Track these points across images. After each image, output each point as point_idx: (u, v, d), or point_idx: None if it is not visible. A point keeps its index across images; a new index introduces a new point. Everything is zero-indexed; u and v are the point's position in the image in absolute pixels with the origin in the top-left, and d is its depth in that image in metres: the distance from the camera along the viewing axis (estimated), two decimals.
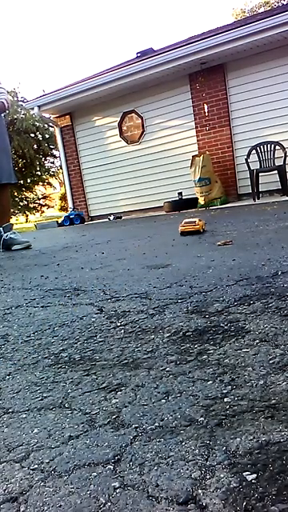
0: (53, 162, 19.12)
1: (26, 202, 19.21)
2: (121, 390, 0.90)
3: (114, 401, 0.87)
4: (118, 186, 9.29)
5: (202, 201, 7.60)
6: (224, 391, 0.84)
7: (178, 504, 0.56)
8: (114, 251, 3.05)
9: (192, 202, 7.75)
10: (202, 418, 0.75)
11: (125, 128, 9.03)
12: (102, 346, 1.18)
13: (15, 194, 17.51)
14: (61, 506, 0.59)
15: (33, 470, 0.68)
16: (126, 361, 1.06)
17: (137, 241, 3.54)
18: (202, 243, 2.80)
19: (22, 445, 0.76)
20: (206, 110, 7.97)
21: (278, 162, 6.98)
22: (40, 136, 16.90)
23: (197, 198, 7.75)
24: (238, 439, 0.68)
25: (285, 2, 19.23)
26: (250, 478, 0.59)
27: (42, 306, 1.69)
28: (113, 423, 0.78)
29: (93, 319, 1.43)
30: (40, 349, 1.23)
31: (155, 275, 1.96)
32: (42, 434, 0.78)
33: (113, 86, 8.28)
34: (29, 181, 17.87)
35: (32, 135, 16.68)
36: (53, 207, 21.19)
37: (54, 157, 18.49)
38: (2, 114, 4.12)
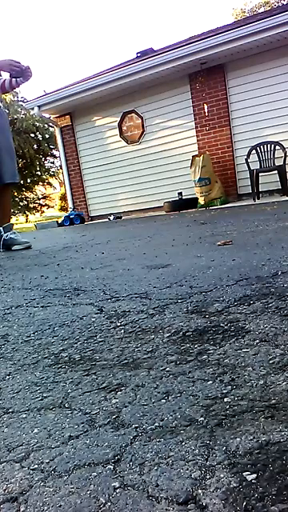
0: (53, 162, 19.15)
1: (25, 202, 19.23)
2: (121, 390, 0.90)
3: (114, 401, 0.87)
4: (118, 186, 9.30)
5: (202, 201, 7.61)
6: (224, 391, 0.84)
7: (177, 504, 0.56)
8: (114, 251, 3.05)
9: (192, 202, 7.75)
10: (202, 418, 0.75)
11: (125, 128, 9.03)
12: (102, 346, 1.18)
13: (15, 194, 17.52)
14: (61, 505, 0.59)
15: (33, 469, 0.68)
16: (126, 361, 1.06)
17: (137, 241, 3.54)
18: (202, 243, 2.80)
19: (22, 445, 0.76)
20: (205, 110, 7.98)
21: (278, 162, 6.98)
22: (40, 136, 16.91)
23: (197, 198, 7.75)
24: (238, 439, 0.68)
25: (285, 2, 19.23)
26: (250, 478, 0.59)
27: (42, 306, 1.69)
28: (113, 423, 0.78)
29: (93, 319, 1.43)
30: (40, 349, 1.23)
31: (155, 275, 1.96)
32: (41, 433, 0.78)
33: (113, 86, 8.28)
34: (29, 181, 17.88)
35: (32, 135, 16.69)
36: (53, 207, 21.20)
37: (54, 157, 18.51)
38: (6, 111, 4.16)
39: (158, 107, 8.52)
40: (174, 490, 0.59)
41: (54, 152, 17.89)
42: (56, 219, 11.65)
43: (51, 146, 17.51)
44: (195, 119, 8.16)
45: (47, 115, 9.86)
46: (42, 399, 0.92)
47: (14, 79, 4.03)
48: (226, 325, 1.20)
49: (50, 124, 11.67)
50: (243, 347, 1.03)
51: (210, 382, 0.88)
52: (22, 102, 16.71)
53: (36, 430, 0.80)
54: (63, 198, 17.71)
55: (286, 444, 0.65)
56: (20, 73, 3.94)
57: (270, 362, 0.93)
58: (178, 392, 0.86)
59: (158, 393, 0.87)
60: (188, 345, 1.10)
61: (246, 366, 0.93)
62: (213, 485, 0.58)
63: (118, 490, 0.60)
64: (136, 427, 0.76)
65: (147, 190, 8.91)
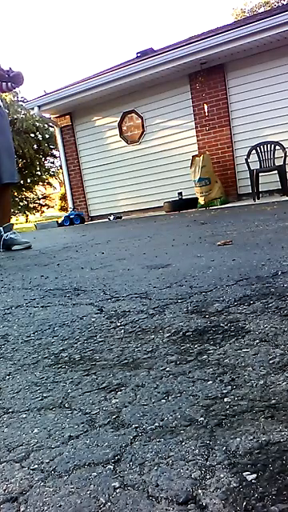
0: (53, 162, 19.15)
1: (25, 202, 19.23)
2: (121, 390, 0.90)
3: (114, 401, 0.87)
4: (118, 186, 9.30)
5: (202, 201, 7.61)
6: (224, 391, 0.84)
7: (177, 504, 0.56)
8: (113, 251, 3.05)
9: (192, 202, 7.75)
10: (202, 418, 0.75)
11: (125, 128, 9.03)
12: (102, 346, 1.18)
13: (15, 194, 17.52)
14: (61, 505, 0.59)
15: (33, 469, 0.68)
16: (126, 361, 1.06)
17: (137, 241, 3.54)
18: (202, 243, 2.80)
19: (22, 445, 0.76)
20: (205, 110, 7.97)
21: (278, 162, 6.98)
22: (40, 136, 16.91)
23: (197, 198, 7.75)
24: (238, 439, 0.68)
25: (285, 2, 19.23)
26: (250, 478, 0.59)
27: (42, 306, 1.69)
28: (113, 423, 0.78)
29: (93, 319, 1.43)
30: (40, 349, 1.23)
31: (155, 275, 1.96)
32: (41, 433, 0.78)
33: (113, 86, 8.28)
34: (29, 181, 17.88)
35: (32, 135, 16.69)
36: (53, 207, 21.20)
37: (54, 157, 18.51)
38: (6, 111, 4.21)
39: (158, 107, 8.51)
40: (174, 489, 0.59)
41: (54, 152, 17.89)
42: (56, 219, 11.65)
43: (51, 146, 17.51)
44: (195, 119, 8.16)
45: (47, 115, 9.86)
46: (42, 399, 0.92)
47: (4, 84, 4.09)
48: (226, 325, 1.20)
49: (50, 124, 11.68)
50: (243, 347, 1.03)
51: (210, 381, 0.88)
52: (22, 102, 16.71)
53: (36, 430, 0.80)
54: (63, 197, 17.70)
55: (286, 444, 0.65)
56: (7, 78, 4.01)
57: (270, 361, 0.93)
58: (178, 392, 0.86)
59: (158, 393, 0.87)
60: (188, 345, 1.10)
61: (246, 366, 0.93)
62: (213, 485, 0.58)
63: (118, 490, 0.60)
64: (136, 427, 0.76)
65: (147, 189, 8.91)
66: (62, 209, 18.74)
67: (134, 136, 8.93)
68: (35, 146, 16.96)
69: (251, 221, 3.79)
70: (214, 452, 0.66)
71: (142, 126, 8.78)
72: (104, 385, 0.94)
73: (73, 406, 0.87)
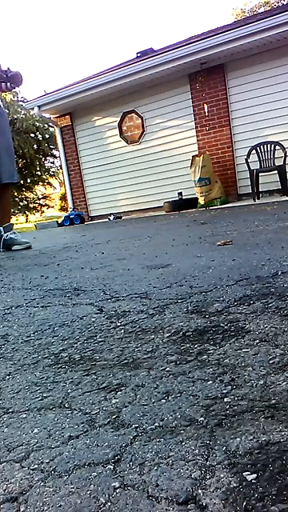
0: (53, 162, 19.14)
1: (25, 202, 19.22)
2: (121, 390, 0.90)
3: (114, 401, 0.87)
4: (118, 186, 9.30)
5: (202, 201, 7.61)
6: (224, 391, 0.84)
7: (177, 504, 0.56)
8: (114, 251, 3.05)
9: (192, 202, 7.75)
10: (202, 418, 0.75)
11: (125, 128, 9.03)
12: (102, 346, 1.18)
13: (15, 194, 17.52)
14: (61, 505, 0.59)
15: (33, 470, 0.68)
16: (126, 361, 1.06)
17: (137, 241, 3.54)
18: (202, 243, 2.80)
19: (22, 445, 0.76)
20: (206, 110, 7.98)
21: (278, 162, 6.98)
22: (40, 136, 16.90)
23: (197, 198, 7.75)
24: (238, 439, 0.68)
25: (285, 2, 19.22)
26: (250, 478, 0.59)
27: (42, 306, 1.69)
28: (113, 423, 0.78)
29: (93, 319, 1.43)
30: (40, 349, 1.23)
31: (155, 275, 1.96)
32: (41, 433, 0.78)
33: (113, 86, 8.28)
34: (29, 181, 17.87)
35: (32, 135, 16.68)
36: (53, 207, 21.19)
37: (54, 157, 18.50)
38: (6, 111, 4.22)
39: (158, 107, 8.52)
40: (174, 489, 0.59)
41: (54, 152, 17.88)
42: (56, 219, 11.65)
43: (51, 146, 17.50)
44: (195, 119, 8.16)
45: (47, 115, 9.86)
46: (42, 399, 0.92)
47: (3, 84, 4.09)
48: (226, 325, 1.20)
49: (50, 124, 11.67)
50: (243, 347, 1.03)
51: (210, 381, 0.88)
52: (22, 101, 16.71)
53: (36, 430, 0.80)
54: (63, 197, 17.70)
55: (286, 444, 0.65)
56: (5, 78, 4.01)
57: (270, 361, 0.93)
58: (178, 392, 0.86)
59: (158, 393, 0.87)
60: (188, 345, 1.10)
61: (246, 366, 0.93)
62: (213, 485, 0.58)
63: (118, 490, 0.60)
64: (136, 427, 0.76)
65: (147, 189, 8.91)
66: (62, 209, 18.74)
67: (134, 136, 8.93)
68: (35, 146, 16.95)
69: (251, 221, 3.79)
70: (214, 452, 0.66)
71: (142, 126, 8.78)
72: (104, 385, 0.94)
73: (73, 405, 0.87)
